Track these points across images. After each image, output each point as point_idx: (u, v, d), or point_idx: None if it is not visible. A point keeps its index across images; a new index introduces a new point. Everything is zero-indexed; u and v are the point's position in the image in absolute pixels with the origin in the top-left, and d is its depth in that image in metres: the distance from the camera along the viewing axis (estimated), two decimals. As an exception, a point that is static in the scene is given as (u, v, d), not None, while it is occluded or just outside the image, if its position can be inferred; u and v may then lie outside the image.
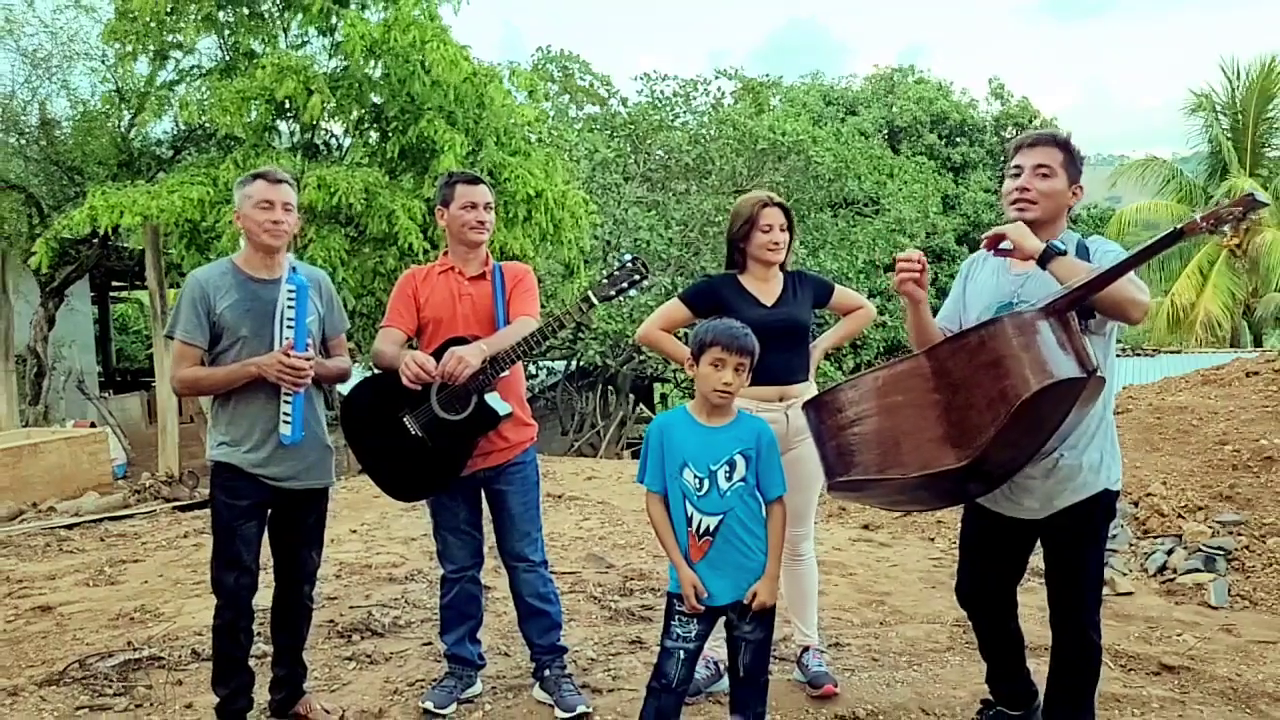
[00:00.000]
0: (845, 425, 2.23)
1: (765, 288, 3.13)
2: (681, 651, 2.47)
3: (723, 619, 2.51)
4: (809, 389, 3.10)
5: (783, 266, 3.19)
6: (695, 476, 2.44)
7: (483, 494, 3.11)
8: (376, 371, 3.03)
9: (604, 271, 2.89)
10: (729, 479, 2.43)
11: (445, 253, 3.12)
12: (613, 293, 2.91)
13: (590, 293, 2.91)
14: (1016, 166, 2.46)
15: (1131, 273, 2.23)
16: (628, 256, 2.96)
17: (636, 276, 2.91)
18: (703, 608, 2.44)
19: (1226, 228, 2.07)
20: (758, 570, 2.45)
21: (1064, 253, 2.26)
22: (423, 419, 2.88)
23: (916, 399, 2.12)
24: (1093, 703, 2.57)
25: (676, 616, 2.47)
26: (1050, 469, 2.37)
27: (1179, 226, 2.09)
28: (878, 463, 2.15)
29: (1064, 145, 2.44)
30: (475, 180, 3.05)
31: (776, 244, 3.08)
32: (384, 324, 3.03)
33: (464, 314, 2.97)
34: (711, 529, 2.43)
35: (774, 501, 2.49)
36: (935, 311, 2.71)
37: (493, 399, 2.87)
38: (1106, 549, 4.69)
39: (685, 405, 2.57)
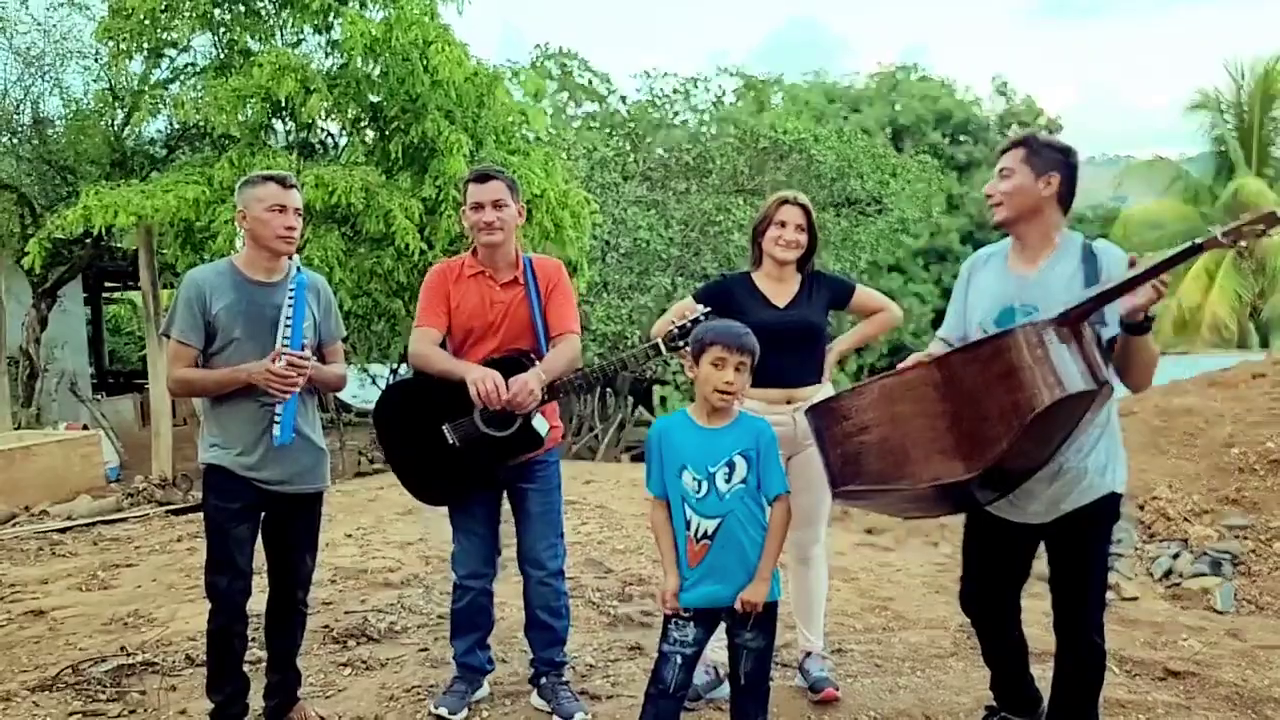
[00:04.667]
0: (850, 433, 2.21)
1: (779, 288, 3.11)
2: (679, 656, 2.43)
3: (724, 625, 2.47)
4: (822, 392, 3.06)
5: (803, 268, 3.16)
6: (694, 479, 2.40)
7: (503, 498, 3.07)
8: (413, 373, 2.99)
9: (675, 324, 2.88)
10: (728, 481, 2.39)
11: (474, 251, 3.01)
12: (680, 344, 2.82)
13: (660, 341, 2.85)
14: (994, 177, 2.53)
15: (1154, 345, 2.26)
16: (700, 309, 2.87)
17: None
18: (688, 610, 2.40)
19: (1245, 242, 2.04)
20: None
21: (1152, 322, 2.21)
22: (462, 430, 2.84)
23: (925, 409, 2.10)
24: (1097, 708, 2.55)
25: (674, 620, 2.44)
26: (1055, 473, 2.36)
27: (1198, 242, 2.06)
28: (885, 473, 2.14)
29: (1022, 142, 2.47)
30: (484, 177, 2.94)
31: (787, 242, 3.06)
32: (419, 323, 2.95)
33: (497, 323, 2.91)
34: (710, 533, 2.39)
35: (776, 500, 2.44)
36: (940, 314, 2.68)
37: (538, 422, 2.85)
38: (1112, 553, 4.70)
39: (686, 408, 2.53)
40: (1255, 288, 18.99)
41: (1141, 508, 5.11)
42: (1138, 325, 2.18)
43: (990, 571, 2.64)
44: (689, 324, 2.83)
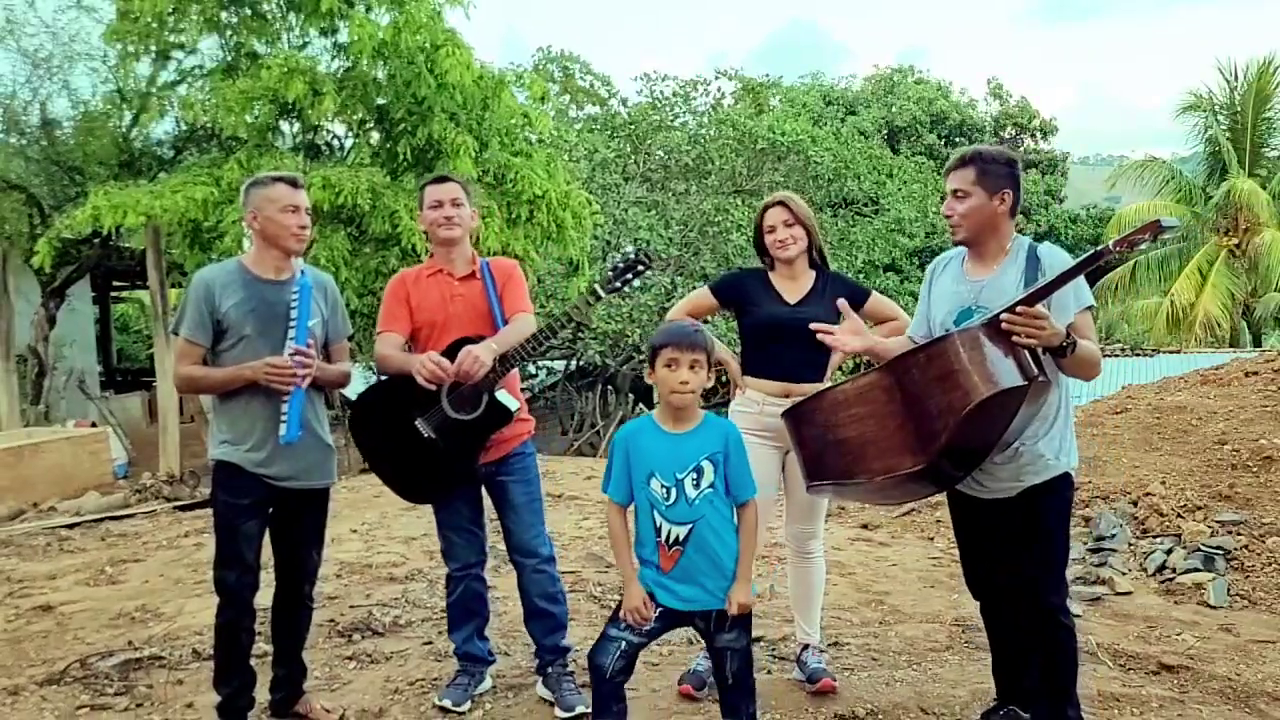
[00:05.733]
0: (819, 434, 2.41)
1: (792, 285, 3.16)
2: (623, 643, 2.43)
3: (703, 629, 2.47)
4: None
5: (819, 267, 3.21)
6: (662, 486, 2.41)
7: (484, 493, 3.12)
8: (381, 377, 3.04)
9: (608, 264, 2.94)
10: (696, 486, 2.40)
11: (432, 255, 3.13)
12: (617, 284, 2.94)
13: (596, 285, 2.94)
14: (947, 193, 2.64)
15: (1093, 335, 2.47)
16: (630, 249, 3.00)
17: (640, 266, 2.95)
18: (652, 615, 2.42)
19: (1143, 247, 2.24)
20: (732, 578, 2.41)
21: (1075, 346, 2.39)
22: (434, 420, 2.89)
23: (878, 410, 2.33)
24: (1075, 693, 2.61)
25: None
26: (1013, 456, 2.53)
27: (1097, 250, 2.29)
28: (848, 468, 2.36)
29: (973, 160, 2.58)
30: (442, 180, 3.07)
31: (782, 241, 3.12)
32: (381, 329, 3.03)
33: (457, 315, 2.98)
34: (681, 538, 2.40)
35: (744, 505, 2.45)
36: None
37: (503, 396, 2.89)
38: (1104, 549, 4.76)
39: (651, 414, 2.53)
40: (1248, 286, 19.02)
41: (1135, 504, 5.14)
42: (1057, 349, 2.37)
43: (980, 549, 2.77)
44: (621, 265, 2.93)
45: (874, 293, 3.30)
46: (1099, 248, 2.29)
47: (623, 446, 2.48)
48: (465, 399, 2.86)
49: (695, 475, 2.40)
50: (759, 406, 3.07)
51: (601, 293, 2.92)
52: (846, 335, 2.66)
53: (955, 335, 2.32)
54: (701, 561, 2.40)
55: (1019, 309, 2.30)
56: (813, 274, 3.19)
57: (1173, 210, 18.95)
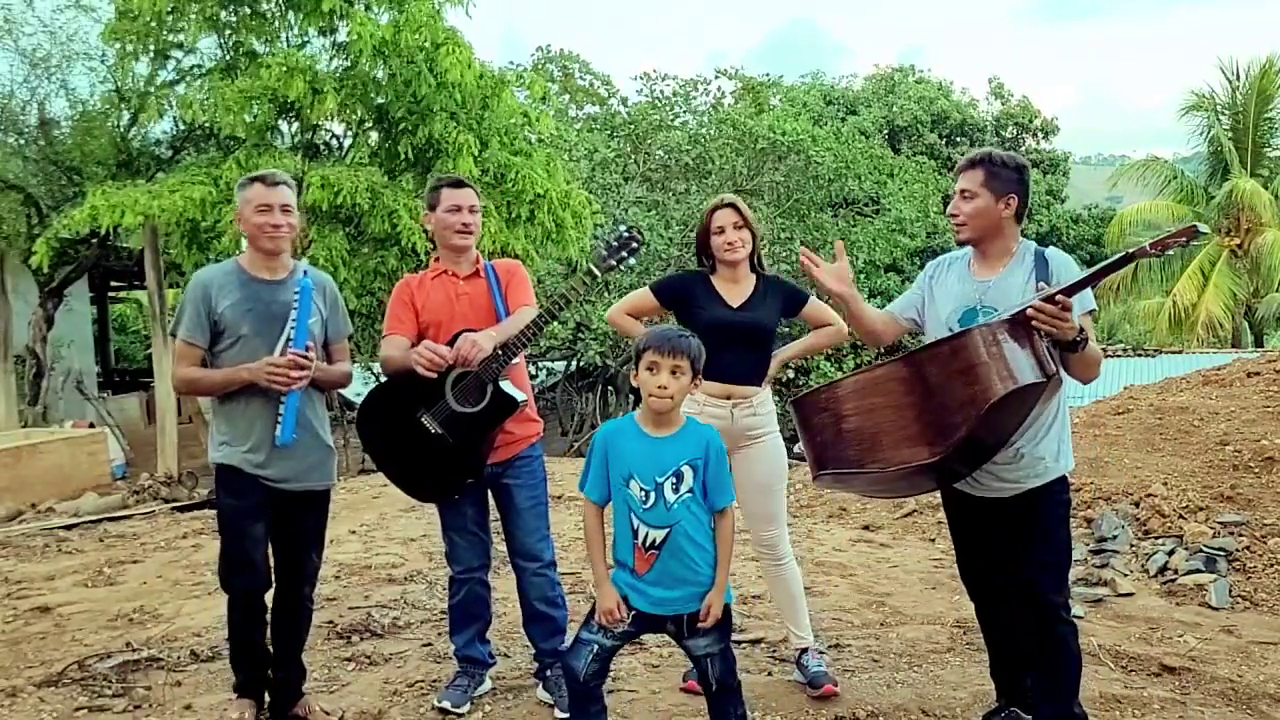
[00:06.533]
0: (829, 423, 2.41)
1: (734, 289, 3.14)
2: (596, 646, 2.42)
3: (683, 637, 2.45)
4: (761, 395, 3.11)
5: (759, 270, 3.19)
6: (641, 489, 2.39)
7: (489, 495, 3.11)
8: (383, 379, 3.04)
9: (600, 243, 2.94)
10: (676, 491, 2.38)
11: (436, 259, 3.14)
12: (613, 262, 2.93)
13: (592, 266, 2.93)
14: (955, 192, 2.68)
15: (1094, 340, 2.50)
16: (622, 227, 2.98)
17: (634, 244, 2.94)
18: (625, 616, 2.40)
19: (1172, 251, 2.30)
20: (706, 584, 2.40)
21: (1085, 342, 2.42)
22: (440, 416, 2.88)
23: (894, 401, 2.32)
24: (1076, 692, 2.60)
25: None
26: (1012, 459, 2.54)
27: (1129, 251, 2.33)
28: (859, 457, 2.35)
29: (981, 163, 2.61)
30: (460, 184, 3.06)
31: (730, 243, 3.09)
32: (387, 333, 3.03)
33: (462, 313, 2.98)
34: (658, 542, 2.38)
35: (721, 512, 2.43)
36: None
37: (507, 386, 2.87)
38: (1106, 550, 4.75)
39: (634, 415, 2.51)
40: (1250, 286, 19.03)
41: (1137, 504, 5.12)
42: (1069, 344, 2.39)
43: (973, 548, 2.79)
44: (614, 243, 2.91)
45: (812, 298, 3.28)
46: (1133, 249, 2.32)
47: (602, 446, 2.47)
48: (470, 391, 2.84)
49: (675, 480, 2.38)
50: (699, 407, 3.03)
51: (597, 272, 2.92)
52: (829, 275, 2.64)
53: (977, 330, 2.32)
54: (676, 567, 2.39)
55: (1058, 297, 2.31)
56: (754, 278, 3.17)
57: (1174, 210, 19.00)
